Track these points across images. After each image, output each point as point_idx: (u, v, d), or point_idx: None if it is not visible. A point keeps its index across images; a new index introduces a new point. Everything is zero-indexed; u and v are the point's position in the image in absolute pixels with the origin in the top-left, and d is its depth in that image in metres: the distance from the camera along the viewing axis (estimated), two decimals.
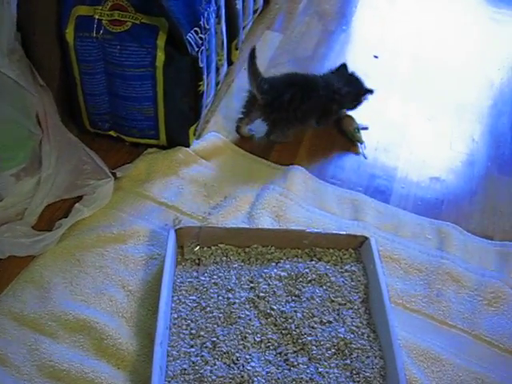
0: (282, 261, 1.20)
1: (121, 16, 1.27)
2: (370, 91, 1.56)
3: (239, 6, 1.66)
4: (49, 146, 1.29)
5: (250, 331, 1.07)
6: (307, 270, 1.17)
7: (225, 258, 1.20)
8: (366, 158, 1.53)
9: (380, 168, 1.51)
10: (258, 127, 1.52)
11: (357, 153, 1.54)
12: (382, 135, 1.60)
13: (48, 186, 1.28)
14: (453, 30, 2.05)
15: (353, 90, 1.54)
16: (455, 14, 2.15)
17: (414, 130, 1.63)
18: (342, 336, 1.07)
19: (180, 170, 1.40)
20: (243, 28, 1.77)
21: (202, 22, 1.32)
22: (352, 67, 1.57)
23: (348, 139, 1.56)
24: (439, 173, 1.51)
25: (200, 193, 1.36)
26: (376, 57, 1.89)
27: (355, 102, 1.56)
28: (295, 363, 1.04)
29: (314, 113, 1.49)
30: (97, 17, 1.27)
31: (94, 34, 1.27)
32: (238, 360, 1.03)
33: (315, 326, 1.09)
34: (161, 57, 1.27)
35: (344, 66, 1.59)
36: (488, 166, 1.55)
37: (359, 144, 1.55)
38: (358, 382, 1.02)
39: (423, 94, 1.76)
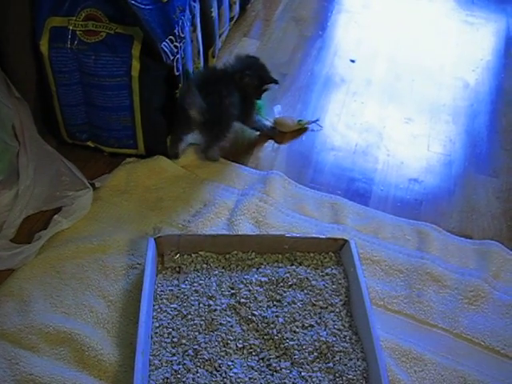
0: (262, 266, 1.20)
1: (95, 26, 1.27)
2: (275, 80, 1.50)
3: (215, 13, 1.67)
4: (26, 158, 1.29)
5: (231, 337, 1.07)
6: (288, 275, 1.17)
7: (205, 265, 1.20)
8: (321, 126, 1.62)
9: (359, 171, 1.52)
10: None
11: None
12: (359, 138, 1.61)
13: (26, 198, 1.27)
14: (427, 33, 2.08)
15: (254, 75, 1.45)
16: (429, 17, 2.17)
17: (392, 133, 1.64)
18: (324, 339, 1.08)
19: (159, 178, 1.40)
20: (220, 36, 1.78)
21: (176, 31, 1.32)
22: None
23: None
24: (417, 174, 1.52)
25: (179, 201, 1.36)
26: (353, 61, 1.90)
27: (258, 88, 1.47)
28: (278, 368, 1.04)
29: (237, 107, 1.41)
30: (71, 27, 1.27)
31: (69, 45, 1.27)
32: (220, 367, 1.03)
33: (297, 330, 1.09)
34: (136, 66, 1.27)
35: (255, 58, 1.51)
36: (465, 165, 1.56)
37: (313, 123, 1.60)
38: None
39: (400, 97, 1.77)
